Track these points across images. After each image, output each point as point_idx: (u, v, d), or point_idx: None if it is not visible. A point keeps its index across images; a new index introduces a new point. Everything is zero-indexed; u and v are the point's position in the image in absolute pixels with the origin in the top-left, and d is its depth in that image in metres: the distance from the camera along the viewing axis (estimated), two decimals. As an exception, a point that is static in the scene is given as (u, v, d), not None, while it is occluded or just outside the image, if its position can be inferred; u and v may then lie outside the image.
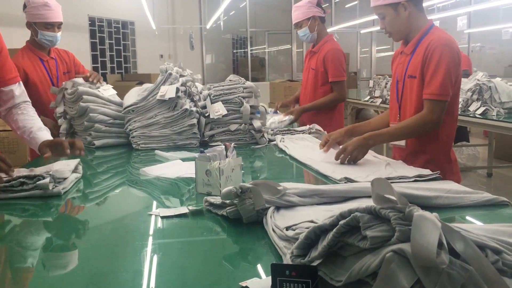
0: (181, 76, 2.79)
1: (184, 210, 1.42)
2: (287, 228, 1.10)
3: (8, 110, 2.05)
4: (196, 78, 2.98)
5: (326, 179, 1.82)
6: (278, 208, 1.31)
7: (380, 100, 5.82)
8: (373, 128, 2.53)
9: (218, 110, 2.70)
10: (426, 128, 2.03)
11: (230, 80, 2.86)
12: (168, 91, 2.65)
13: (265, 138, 2.73)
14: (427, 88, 2.01)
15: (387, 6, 2.08)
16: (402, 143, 2.16)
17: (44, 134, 1.97)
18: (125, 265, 1.09)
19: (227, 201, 1.34)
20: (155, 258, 1.11)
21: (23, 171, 1.71)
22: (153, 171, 1.99)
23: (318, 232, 0.81)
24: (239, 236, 1.27)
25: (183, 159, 2.24)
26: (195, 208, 1.43)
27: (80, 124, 2.75)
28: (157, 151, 2.46)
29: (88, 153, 2.53)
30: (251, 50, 12.88)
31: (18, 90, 2.05)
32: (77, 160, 1.94)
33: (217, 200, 1.42)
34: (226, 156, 1.65)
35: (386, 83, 5.84)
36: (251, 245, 1.22)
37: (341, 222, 0.77)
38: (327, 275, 0.79)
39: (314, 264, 0.80)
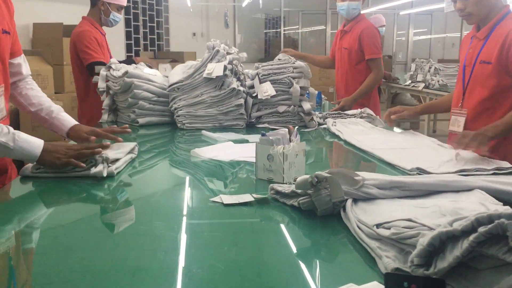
0: (228, 54, 2.67)
1: (248, 198, 1.31)
2: (378, 226, 0.98)
3: (15, 84, 1.90)
4: (242, 56, 2.85)
5: (393, 168, 1.69)
6: (355, 200, 1.18)
7: (423, 84, 5.59)
8: (445, 107, 2.42)
9: (266, 90, 2.57)
10: None
11: (279, 59, 2.72)
12: (215, 69, 2.53)
13: (314, 121, 2.60)
14: None
15: None
16: (461, 128, 2.09)
17: (69, 117, 1.92)
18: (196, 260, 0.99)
19: (299, 191, 1.22)
20: (224, 251, 1.00)
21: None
22: (205, 152, 1.89)
23: (444, 239, 0.68)
24: (312, 230, 1.15)
25: (233, 141, 2.13)
26: (260, 196, 1.32)
27: (124, 100, 2.65)
28: (204, 131, 2.36)
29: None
30: (284, 31, 12.64)
31: (25, 62, 1.92)
32: (134, 143, 1.85)
33: (284, 188, 1.30)
34: (290, 140, 1.53)
35: (430, 67, 5.60)
36: (325, 241, 1.10)
37: (481, 229, 0.64)
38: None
39: (435, 275, 0.68)
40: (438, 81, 5.33)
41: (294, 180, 1.47)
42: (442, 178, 1.26)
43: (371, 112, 2.77)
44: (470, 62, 2.08)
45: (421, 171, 1.56)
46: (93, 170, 1.53)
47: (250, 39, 14.09)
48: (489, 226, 0.63)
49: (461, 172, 1.57)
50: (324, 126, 2.56)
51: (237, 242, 1.07)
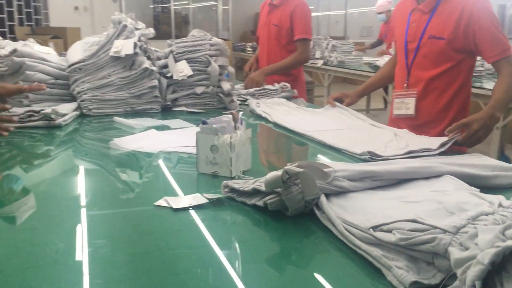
0: (136, 29, 2.39)
1: (201, 199, 1.11)
2: (374, 229, 0.85)
3: None
4: (149, 32, 2.57)
5: (339, 153, 1.58)
6: (327, 196, 1.05)
7: (321, 61, 5.65)
8: (383, 83, 2.38)
9: (182, 70, 2.35)
10: None
11: (193, 36, 2.50)
12: (124, 46, 2.24)
13: (235, 102, 2.43)
14: (495, 49, 1.82)
15: None
16: (411, 111, 1.97)
17: None
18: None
19: (263, 189, 1.05)
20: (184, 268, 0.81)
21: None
22: (127, 143, 1.63)
23: (507, 254, 0.56)
24: (283, 234, 1.00)
25: (154, 128, 1.89)
26: (214, 196, 1.13)
27: (14, 84, 2.26)
28: (116, 118, 2.08)
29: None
30: (173, 6, 12.17)
31: None
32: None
33: (242, 185, 1.13)
34: (235, 128, 1.35)
35: (327, 44, 5.67)
36: (305, 246, 0.95)
37: None
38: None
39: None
40: (336, 58, 5.42)
41: (243, 173, 1.32)
42: (411, 165, 1.18)
43: (287, 84, 2.69)
44: (414, 38, 1.96)
45: (372, 156, 1.47)
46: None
47: (136, 15, 13.37)
48: None
49: (409, 154, 1.51)
50: (245, 104, 2.41)
51: (182, 266, 0.89)
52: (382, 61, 5.65)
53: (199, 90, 2.38)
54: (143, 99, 2.29)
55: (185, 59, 2.37)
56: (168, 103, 2.37)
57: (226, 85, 2.39)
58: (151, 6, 14.11)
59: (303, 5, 3.05)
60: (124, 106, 2.27)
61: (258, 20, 3.37)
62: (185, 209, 1.08)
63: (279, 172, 0.99)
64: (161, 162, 1.49)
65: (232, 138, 1.28)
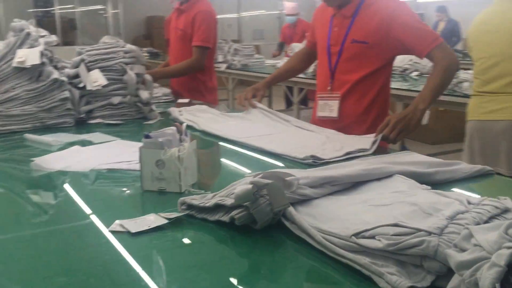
0: (40, 36, 2.20)
1: (158, 220, 1.04)
2: (356, 236, 0.84)
3: None
4: (52, 40, 2.37)
5: (280, 159, 1.57)
6: (292, 205, 1.03)
7: (225, 65, 5.66)
8: (291, 73, 2.45)
9: (96, 79, 2.20)
10: (454, 73, 1.91)
11: (105, 43, 2.35)
12: (29, 56, 2.05)
13: (155, 111, 2.33)
14: (425, 41, 1.86)
15: None
16: (335, 113, 2.01)
17: None
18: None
19: (228, 204, 1.00)
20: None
21: None
22: (51, 163, 1.49)
23: (521, 253, 0.58)
24: (253, 248, 0.96)
25: (75, 143, 1.75)
26: (173, 215, 1.06)
27: None
28: (28, 135, 1.89)
29: None
30: (58, 10, 11.46)
31: None
32: None
33: (202, 201, 1.07)
34: (180, 140, 1.28)
35: (229, 48, 5.69)
36: (283, 258, 0.93)
37: None
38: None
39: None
40: (240, 61, 5.46)
41: (192, 186, 1.26)
42: (363, 167, 1.20)
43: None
44: (337, 41, 1.98)
45: (315, 159, 1.48)
46: None
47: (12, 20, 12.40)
48: None
49: (347, 155, 1.55)
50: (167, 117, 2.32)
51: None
52: (283, 63, 5.80)
53: (116, 100, 2.25)
54: (54, 112, 2.11)
55: (98, 68, 2.23)
56: (82, 115, 2.21)
57: (144, 94, 2.28)
58: (31, 10, 13.17)
59: (205, 12, 2.97)
60: (33, 121, 2.07)
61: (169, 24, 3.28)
62: (143, 232, 1.00)
63: (248, 186, 0.95)
64: (98, 181, 1.38)
65: (180, 151, 1.22)
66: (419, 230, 0.79)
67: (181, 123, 2.11)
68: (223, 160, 1.76)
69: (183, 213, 1.07)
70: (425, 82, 1.88)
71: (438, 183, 1.26)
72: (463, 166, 1.34)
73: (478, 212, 0.82)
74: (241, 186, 0.96)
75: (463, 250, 0.70)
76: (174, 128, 1.28)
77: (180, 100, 2.81)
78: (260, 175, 1.01)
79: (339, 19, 2.00)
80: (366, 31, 1.92)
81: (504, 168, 2.43)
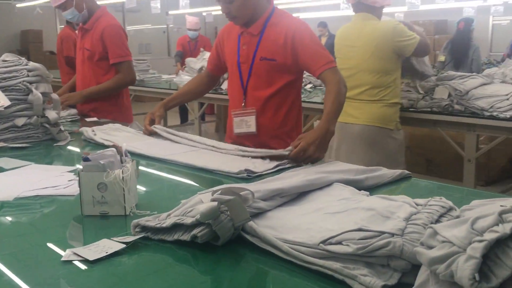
0: None
1: (116, 245, 1.00)
2: (324, 243, 0.89)
3: None
4: None
5: (214, 174, 1.59)
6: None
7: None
8: (191, 96, 2.47)
9: (-3, 100, 2.03)
10: (345, 95, 1.96)
11: (4, 61, 2.19)
12: None
13: (64, 132, 2.21)
14: (319, 62, 1.95)
15: None
16: (253, 128, 2.04)
17: None
18: None
19: (187, 222, 1.00)
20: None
21: None
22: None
23: (493, 245, 0.67)
24: (217, 263, 0.97)
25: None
26: (131, 238, 1.03)
27: None
28: None
29: None
30: None
31: None
32: None
33: (157, 221, 1.05)
34: (121, 162, 1.24)
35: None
36: (247, 272, 0.95)
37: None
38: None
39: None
40: (138, 77, 5.33)
41: (135, 207, 1.23)
42: (305, 178, 1.26)
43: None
44: (246, 59, 2.04)
45: (249, 173, 1.52)
46: None
47: None
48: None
49: (277, 167, 1.61)
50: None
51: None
52: (178, 78, 5.78)
53: (20, 121, 2.10)
54: (-50, 138, 1.92)
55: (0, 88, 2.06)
56: (-17, 139, 2.03)
57: (51, 114, 2.16)
58: None
59: (112, 26, 2.86)
60: None
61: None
62: (101, 259, 0.96)
63: (212, 203, 0.96)
64: (29, 210, 1.28)
65: (124, 172, 1.18)
66: (383, 232, 0.86)
67: (97, 143, 2.04)
68: (155, 178, 1.72)
69: (138, 236, 1.05)
70: (325, 103, 1.94)
71: (367, 188, 1.36)
72: (386, 172, 1.47)
73: (429, 212, 0.92)
74: (205, 204, 0.97)
75: (430, 247, 0.77)
76: (113, 149, 1.24)
77: (88, 119, 2.69)
78: (219, 192, 1.03)
79: (246, 37, 2.05)
80: (274, 48, 1.99)
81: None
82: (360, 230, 0.88)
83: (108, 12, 2.97)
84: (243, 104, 2.10)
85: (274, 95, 2.05)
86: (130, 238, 1.03)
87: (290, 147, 1.69)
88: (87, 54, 2.88)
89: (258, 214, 1.09)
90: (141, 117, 3.30)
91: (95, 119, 2.67)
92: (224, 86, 4.59)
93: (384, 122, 2.83)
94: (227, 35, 2.18)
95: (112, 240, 1.03)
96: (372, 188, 1.38)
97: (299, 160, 1.68)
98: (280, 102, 2.07)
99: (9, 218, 1.24)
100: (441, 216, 0.92)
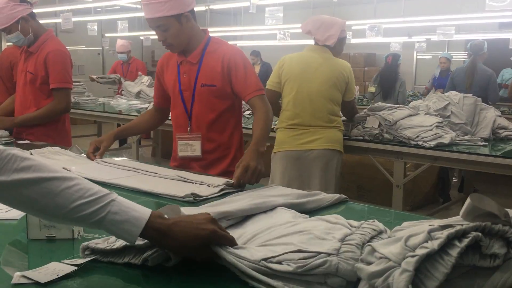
0: None
1: (66, 268, 1.01)
2: (265, 261, 0.95)
3: None
4: None
5: (159, 198, 1.61)
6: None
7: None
8: (141, 128, 2.50)
9: None
10: (272, 121, 2.08)
11: None
12: None
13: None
14: (249, 88, 2.05)
15: (170, 17, 1.97)
16: (198, 152, 2.10)
17: None
18: None
19: (140, 244, 1.03)
20: None
21: None
22: None
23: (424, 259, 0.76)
24: (169, 282, 1.01)
25: None
26: (80, 261, 1.04)
27: None
28: None
29: None
30: None
31: None
32: None
33: (106, 244, 1.07)
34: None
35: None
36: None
37: (461, 244, 0.75)
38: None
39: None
40: (73, 99, 5.22)
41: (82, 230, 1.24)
42: (251, 202, 1.32)
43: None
44: (188, 87, 2.11)
45: (195, 197, 1.56)
46: None
47: None
48: (468, 239, 0.75)
49: (222, 191, 1.66)
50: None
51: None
52: (115, 101, 5.72)
53: (-48, 143, 2.02)
54: None
55: None
56: None
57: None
58: None
59: (56, 51, 2.79)
60: None
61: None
62: (54, 281, 0.96)
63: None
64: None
65: (73, 196, 1.19)
66: (320, 252, 0.94)
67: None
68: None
69: (88, 258, 1.06)
70: (254, 129, 2.01)
71: (308, 211, 1.45)
72: (325, 196, 1.56)
73: (362, 233, 1.01)
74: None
75: (369, 263, 0.86)
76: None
77: (19, 142, 2.62)
78: (164, 212, 1.06)
79: (186, 66, 2.12)
80: (213, 75, 2.08)
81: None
82: (299, 251, 0.96)
83: (54, 36, 2.92)
84: (188, 129, 2.15)
85: (217, 119, 2.13)
86: (80, 261, 1.04)
87: (232, 180, 1.74)
88: (29, 77, 2.81)
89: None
90: (76, 140, 3.25)
91: (26, 141, 2.60)
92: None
93: (339, 145, 3.04)
94: (166, 64, 2.24)
95: (62, 262, 1.03)
96: (312, 212, 1.47)
97: (246, 181, 1.74)
98: (224, 126, 2.16)
99: None
100: (372, 238, 1.01)
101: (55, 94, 2.81)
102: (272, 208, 1.34)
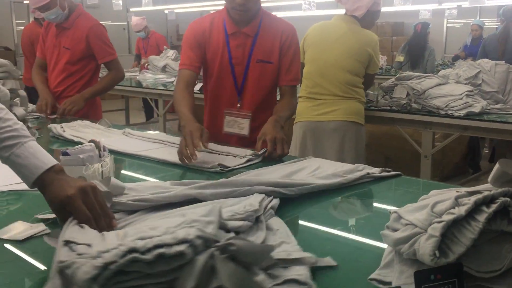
0: None
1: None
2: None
3: None
4: None
5: (186, 169, 1.64)
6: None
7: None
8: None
9: (-37, 96, 2.02)
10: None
11: (-30, 56, 2.16)
12: None
13: (33, 129, 2.21)
14: (289, 75, 2.02)
15: None
16: (246, 131, 2.04)
17: None
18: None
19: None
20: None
21: None
22: None
23: (450, 225, 0.75)
24: None
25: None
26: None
27: None
28: None
29: None
30: None
31: None
32: None
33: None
34: (100, 156, 1.28)
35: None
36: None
37: (489, 209, 0.74)
38: (471, 269, 0.75)
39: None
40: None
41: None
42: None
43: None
44: (241, 61, 2.00)
45: (222, 167, 1.58)
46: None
47: None
48: (495, 205, 0.74)
49: (249, 162, 1.68)
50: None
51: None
52: (141, 76, 5.76)
53: (-13, 118, 2.08)
54: None
55: (-35, 84, 2.04)
56: (-52, 136, 2.00)
57: (19, 111, 2.14)
58: None
59: (97, 26, 2.87)
60: None
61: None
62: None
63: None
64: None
65: (103, 166, 1.22)
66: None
67: (67, 139, 2.05)
68: (130, 173, 1.75)
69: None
70: (278, 108, 2.00)
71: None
72: (374, 170, 1.53)
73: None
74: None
75: (394, 230, 0.86)
76: (92, 144, 1.28)
77: (51, 116, 2.69)
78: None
79: (239, 38, 2.00)
80: (271, 51, 2.00)
81: None
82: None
83: (85, 11, 2.99)
84: (238, 105, 2.08)
85: (266, 96, 2.09)
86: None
87: (263, 150, 1.74)
88: (65, 52, 2.86)
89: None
90: (105, 114, 3.30)
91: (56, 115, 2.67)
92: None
93: (358, 117, 2.89)
94: (209, 31, 2.04)
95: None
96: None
97: (279, 152, 1.73)
98: (269, 104, 2.10)
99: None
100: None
101: (109, 67, 2.94)
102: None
